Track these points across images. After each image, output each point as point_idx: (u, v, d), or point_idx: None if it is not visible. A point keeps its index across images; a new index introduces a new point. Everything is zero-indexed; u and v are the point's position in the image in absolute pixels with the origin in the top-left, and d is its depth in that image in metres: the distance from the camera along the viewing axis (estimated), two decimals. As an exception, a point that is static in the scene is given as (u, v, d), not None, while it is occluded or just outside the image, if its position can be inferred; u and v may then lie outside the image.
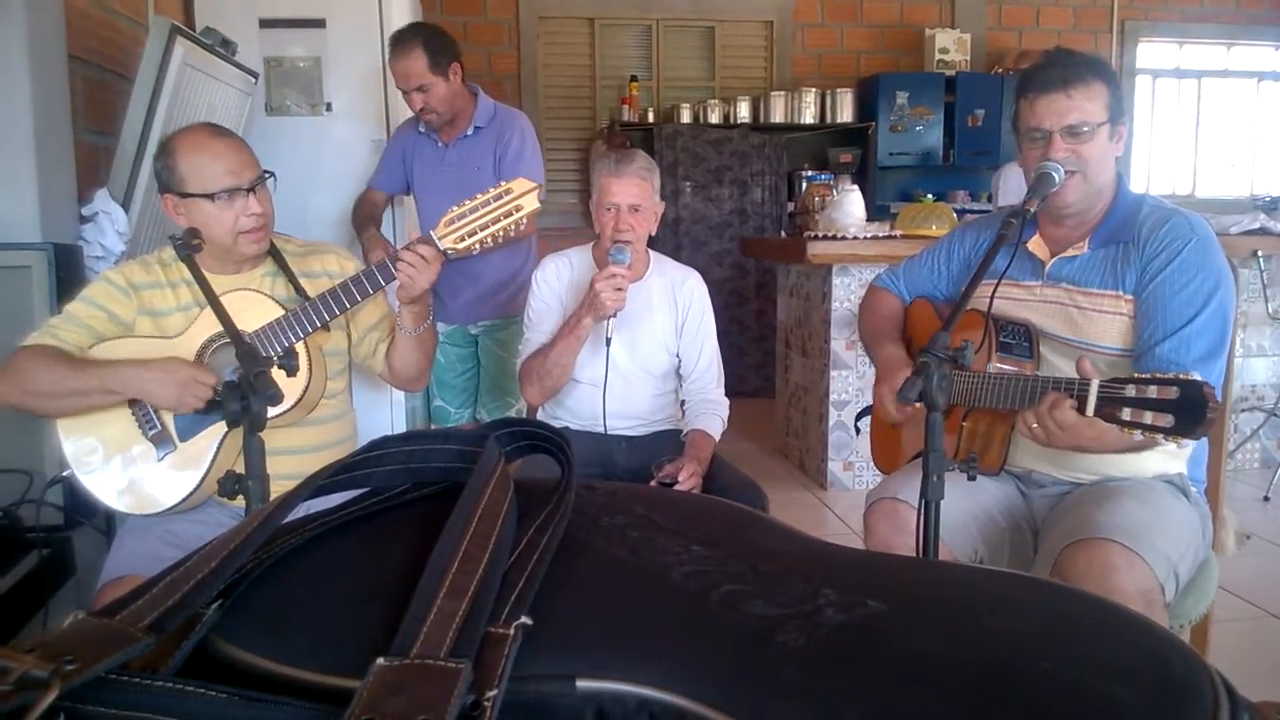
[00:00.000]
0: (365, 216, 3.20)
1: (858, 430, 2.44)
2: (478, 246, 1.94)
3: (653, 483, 2.18)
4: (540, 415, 2.55)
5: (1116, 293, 1.78)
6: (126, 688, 0.49)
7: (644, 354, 2.42)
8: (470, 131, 3.03)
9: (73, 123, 2.52)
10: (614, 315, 2.21)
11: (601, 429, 2.41)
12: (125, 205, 2.52)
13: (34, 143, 2.29)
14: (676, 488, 2.15)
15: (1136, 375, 1.44)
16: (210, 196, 1.85)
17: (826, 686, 0.52)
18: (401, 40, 2.88)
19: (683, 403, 2.53)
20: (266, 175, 1.94)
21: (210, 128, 1.93)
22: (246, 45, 3.18)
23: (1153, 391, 1.39)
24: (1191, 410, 1.34)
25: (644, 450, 2.40)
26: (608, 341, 2.26)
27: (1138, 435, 1.40)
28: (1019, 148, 1.85)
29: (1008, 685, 0.52)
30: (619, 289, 2.18)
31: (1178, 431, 1.36)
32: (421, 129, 3.10)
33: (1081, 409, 1.48)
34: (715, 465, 2.35)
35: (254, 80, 3.19)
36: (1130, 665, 0.54)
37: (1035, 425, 1.57)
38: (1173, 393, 1.36)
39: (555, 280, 2.45)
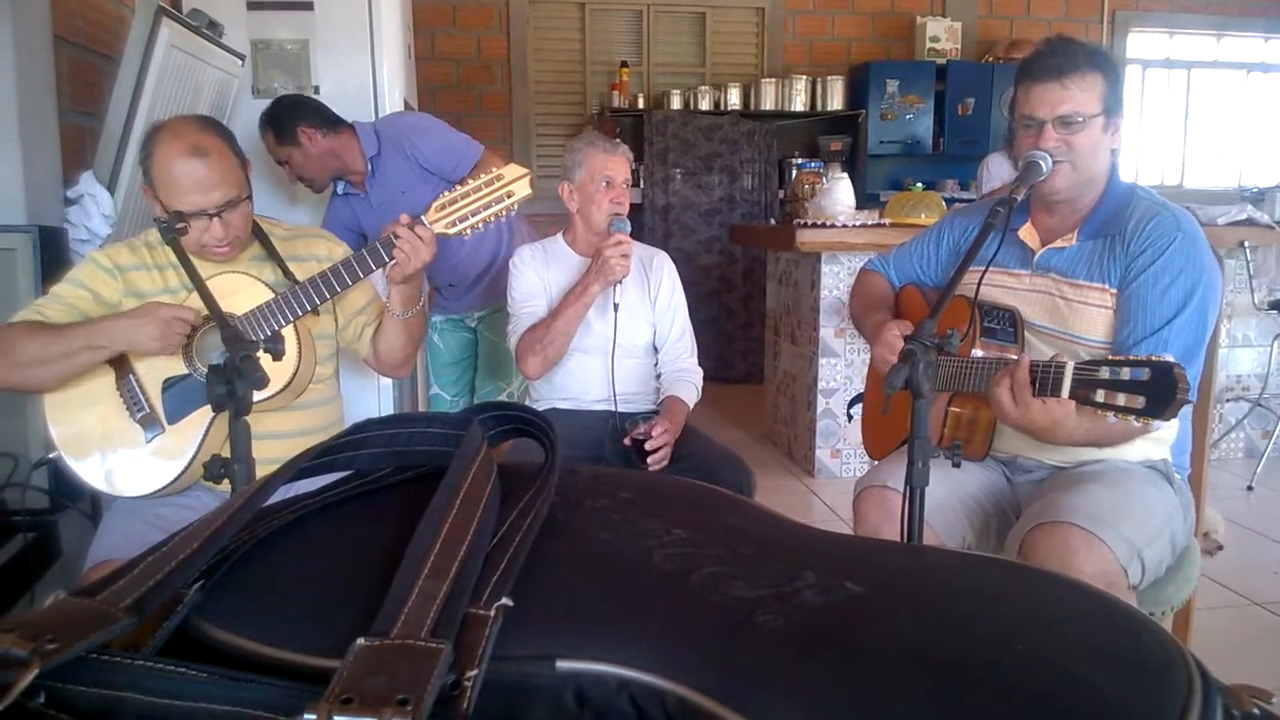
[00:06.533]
0: None
1: (850, 416, 2.46)
2: (469, 232, 1.96)
3: (627, 441, 2.32)
4: (533, 392, 2.66)
5: (1103, 286, 1.79)
6: (107, 667, 0.49)
7: (627, 330, 2.52)
8: (370, 167, 2.94)
9: (58, 104, 2.50)
10: (620, 281, 2.37)
11: (607, 402, 2.49)
12: (111, 188, 2.50)
13: (19, 124, 2.27)
14: (649, 444, 2.27)
15: (1110, 358, 1.46)
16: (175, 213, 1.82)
17: (805, 667, 0.52)
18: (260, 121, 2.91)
19: (658, 375, 2.63)
20: (239, 199, 1.88)
21: (191, 142, 1.82)
22: (234, 27, 3.15)
23: (1125, 373, 1.41)
24: (1163, 391, 1.36)
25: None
26: (615, 307, 2.42)
27: (1111, 417, 1.42)
28: (1013, 134, 1.85)
29: (982, 667, 0.52)
30: (626, 255, 2.35)
31: (1149, 412, 1.38)
32: (339, 191, 3.04)
33: (1056, 391, 1.50)
34: (696, 439, 2.45)
35: (241, 63, 3.17)
36: (1105, 648, 0.54)
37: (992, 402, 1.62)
38: (1145, 374, 1.38)
39: (533, 260, 2.57)
